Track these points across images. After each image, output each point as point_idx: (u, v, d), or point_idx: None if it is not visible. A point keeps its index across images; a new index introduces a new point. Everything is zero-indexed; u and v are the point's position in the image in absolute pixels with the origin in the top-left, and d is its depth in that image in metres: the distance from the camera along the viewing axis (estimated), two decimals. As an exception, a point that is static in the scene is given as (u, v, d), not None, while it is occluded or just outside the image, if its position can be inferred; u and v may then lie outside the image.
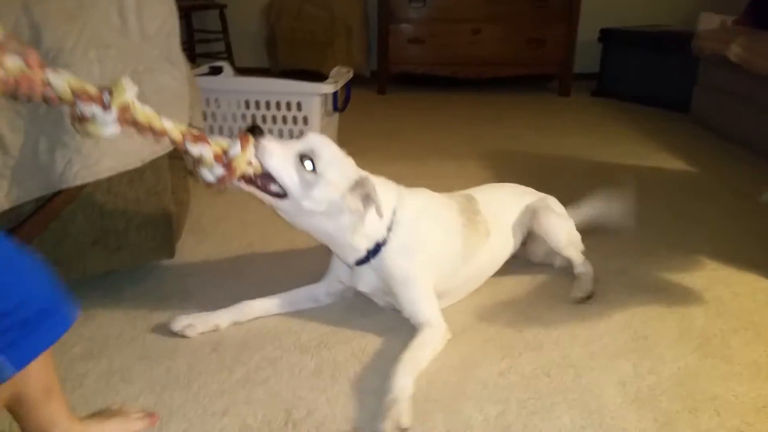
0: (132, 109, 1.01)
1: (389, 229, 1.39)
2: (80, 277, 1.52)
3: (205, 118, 2.45)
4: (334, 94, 2.60)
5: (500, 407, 1.19)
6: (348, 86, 2.75)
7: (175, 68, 1.44)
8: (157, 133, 1.06)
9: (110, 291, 1.59)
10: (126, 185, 1.46)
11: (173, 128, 1.08)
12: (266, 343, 1.38)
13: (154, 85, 1.36)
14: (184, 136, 1.10)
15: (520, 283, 1.69)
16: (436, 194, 1.55)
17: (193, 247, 1.87)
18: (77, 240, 1.43)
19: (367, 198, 1.31)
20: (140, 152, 1.36)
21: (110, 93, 0.99)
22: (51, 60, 1.21)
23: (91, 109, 0.96)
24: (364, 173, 1.37)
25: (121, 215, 1.49)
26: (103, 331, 1.39)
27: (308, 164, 1.28)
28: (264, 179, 1.27)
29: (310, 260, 1.73)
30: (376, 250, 1.39)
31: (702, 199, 2.43)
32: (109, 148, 1.28)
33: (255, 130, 1.23)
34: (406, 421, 1.11)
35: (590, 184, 2.58)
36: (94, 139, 1.00)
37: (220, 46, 4.80)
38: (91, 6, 1.30)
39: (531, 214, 1.67)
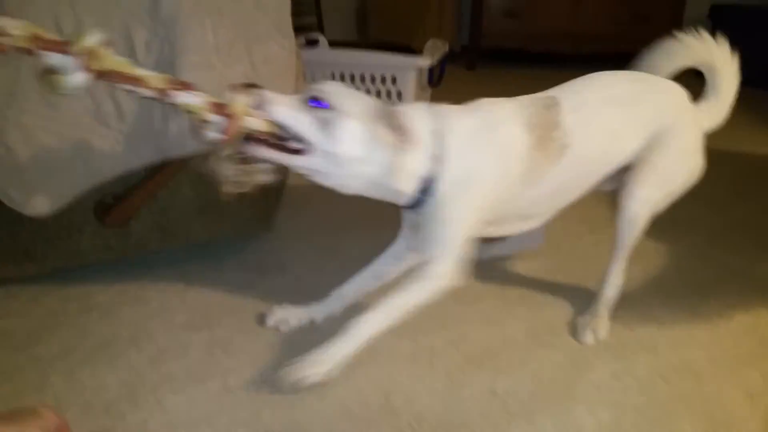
0: (99, 56, 0.90)
1: (438, 160, 1.14)
2: (183, 245, 1.55)
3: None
4: (430, 68, 2.52)
5: (614, 412, 1.11)
6: (443, 61, 2.66)
7: (285, 39, 1.41)
8: (133, 81, 0.94)
9: (211, 260, 1.61)
10: (230, 157, 1.45)
11: (152, 76, 0.96)
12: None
13: (263, 55, 1.34)
14: (166, 84, 0.97)
15: (632, 278, 1.51)
16: (500, 105, 1.23)
17: (287, 221, 1.86)
18: (183, 209, 1.44)
19: (398, 128, 1.08)
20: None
21: (74, 42, 0.90)
22: (168, 23, 1.21)
23: (54, 57, 0.87)
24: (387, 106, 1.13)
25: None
26: (204, 300, 1.41)
27: (318, 105, 1.08)
28: (279, 140, 1.07)
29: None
30: (426, 189, 1.15)
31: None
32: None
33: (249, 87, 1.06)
34: (309, 381, 1.13)
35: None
36: (61, 93, 0.89)
37: (310, 18, 4.79)
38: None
39: (655, 139, 1.32)
